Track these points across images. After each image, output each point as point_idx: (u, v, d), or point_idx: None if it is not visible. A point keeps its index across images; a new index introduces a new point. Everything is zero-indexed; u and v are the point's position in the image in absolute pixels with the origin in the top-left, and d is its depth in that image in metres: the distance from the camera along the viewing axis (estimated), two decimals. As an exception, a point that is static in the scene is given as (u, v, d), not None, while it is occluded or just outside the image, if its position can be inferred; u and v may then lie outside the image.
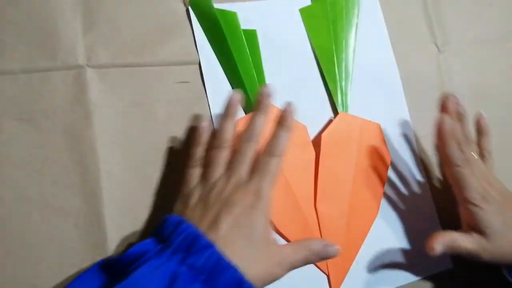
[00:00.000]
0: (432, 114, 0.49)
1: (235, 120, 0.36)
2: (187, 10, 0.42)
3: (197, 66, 0.41)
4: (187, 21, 0.42)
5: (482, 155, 0.43)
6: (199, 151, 0.36)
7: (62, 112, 0.36)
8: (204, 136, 0.36)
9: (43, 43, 0.37)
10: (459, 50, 0.52)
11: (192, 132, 0.38)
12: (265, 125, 0.35)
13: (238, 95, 0.37)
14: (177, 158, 0.38)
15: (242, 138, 0.34)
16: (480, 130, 0.44)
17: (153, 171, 0.38)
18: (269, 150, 0.34)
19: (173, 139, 0.39)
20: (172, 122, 0.39)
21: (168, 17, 0.41)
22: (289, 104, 0.35)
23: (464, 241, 0.37)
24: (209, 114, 0.40)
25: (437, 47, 0.51)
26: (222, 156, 0.34)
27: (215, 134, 0.36)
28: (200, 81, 0.41)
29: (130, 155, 0.37)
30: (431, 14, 0.51)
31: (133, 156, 0.38)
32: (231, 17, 0.42)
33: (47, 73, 0.37)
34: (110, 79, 0.38)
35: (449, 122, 0.37)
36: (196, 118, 0.39)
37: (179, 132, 0.39)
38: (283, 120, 0.35)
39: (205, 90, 0.40)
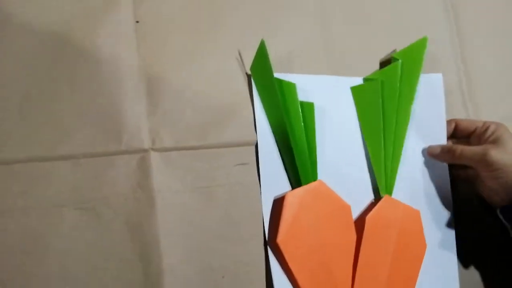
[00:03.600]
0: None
1: None
2: (249, 82, 0.41)
3: (254, 147, 0.40)
4: (249, 101, 0.40)
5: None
6: None
7: (125, 200, 0.35)
8: None
9: (108, 127, 0.35)
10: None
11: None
12: None
13: None
14: (240, 246, 0.38)
15: None
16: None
17: (217, 265, 0.37)
18: None
19: (234, 225, 0.38)
20: (232, 208, 0.38)
21: (231, 97, 0.40)
22: None
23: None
24: (259, 198, 0.39)
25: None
26: None
27: None
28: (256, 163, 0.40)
29: (192, 247, 0.36)
30: (465, 91, 0.53)
31: (195, 247, 0.36)
32: (290, 87, 0.41)
33: (111, 158, 0.35)
34: (174, 162, 0.37)
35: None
36: None
37: (239, 217, 0.38)
38: None
39: (258, 173, 0.40)
